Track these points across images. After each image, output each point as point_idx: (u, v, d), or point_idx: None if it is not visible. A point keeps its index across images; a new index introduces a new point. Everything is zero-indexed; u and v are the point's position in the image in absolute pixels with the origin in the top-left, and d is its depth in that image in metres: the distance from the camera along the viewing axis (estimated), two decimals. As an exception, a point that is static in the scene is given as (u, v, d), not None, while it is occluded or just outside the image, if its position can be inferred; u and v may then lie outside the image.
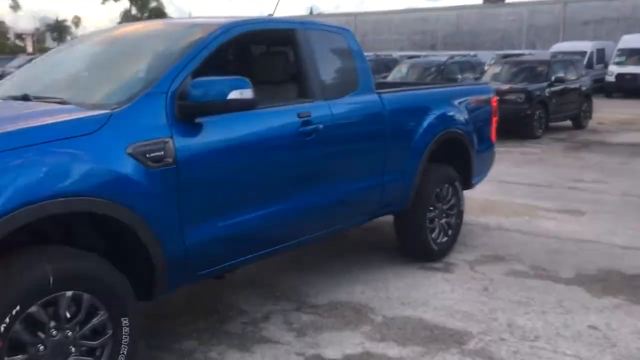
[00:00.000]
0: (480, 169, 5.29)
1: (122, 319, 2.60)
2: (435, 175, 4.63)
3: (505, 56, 19.27)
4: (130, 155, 2.62)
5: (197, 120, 2.92)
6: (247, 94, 2.89)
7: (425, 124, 4.45)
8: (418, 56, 21.24)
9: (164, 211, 2.75)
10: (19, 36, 53.92)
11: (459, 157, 5.00)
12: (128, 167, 2.61)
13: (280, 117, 3.40)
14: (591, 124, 14.63)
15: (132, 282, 2.71)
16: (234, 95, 2.86)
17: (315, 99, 3.65)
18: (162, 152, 2.73)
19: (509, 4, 37.80)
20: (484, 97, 5.29)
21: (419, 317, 3.70)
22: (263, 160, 3.23)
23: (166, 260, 2.78)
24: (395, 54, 23.69)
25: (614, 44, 25.27)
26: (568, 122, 14.21)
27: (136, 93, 2.81)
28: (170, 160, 2.76)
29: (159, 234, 2.72)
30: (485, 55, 23.58)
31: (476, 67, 17.32)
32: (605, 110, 16.81)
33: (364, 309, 3.85)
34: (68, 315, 2.44)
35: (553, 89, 13.08)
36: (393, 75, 15.69)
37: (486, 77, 14.18)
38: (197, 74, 2.99)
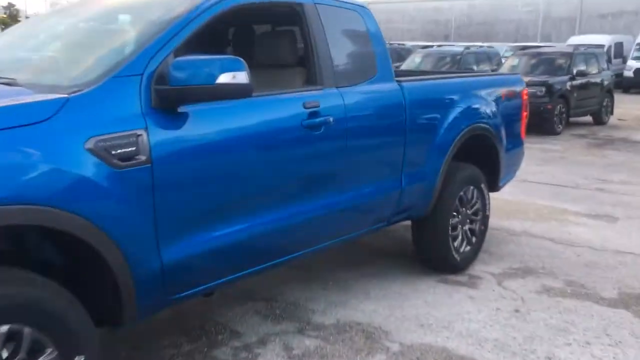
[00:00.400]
0: (508, 170, 4.72)
1: (77, 357, 2.07)
2: (460, 177, 4.07)
3: (523, 48, 18.54)
4: (90, 151, 2.07)
5: (180, 109, 2.37)
6: (242, 77, 2.33)
7: (450, 117, 3.88)
8: (431, 46, 20.55)
9: (134, 221, 2.20)
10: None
11: (486, 155, 4.43)
12: (87, 166, 2.06)
13: (283, 106, 2.84)
14: (612, 120, 13.99)
15: (95, 307, 2.18)
16: (224, 78, 2.30)
17: (325, 87, 3.09)
18: (133, 148, 2.18)
19: (525, -5, 36.86)
20: (514, 88, 4.70)
21: (441, 346, 3.15)
22: (260, 159, 2.68)
23: (138, 281, 2.23)
24: (409, 44, 22.98)
25: (632, 38, 24.47)
26: (588, 118, 13.58)
27: (103, 74, 2.26)
28: (143, 158, 2.21)
29: (128, 250, 2.17)
30: (499, 47, 22.84)
31: (493, 59, 16.65)
32: (624, 106, 16.14)
33: (377, 332, 3.30)
34: (3, 355, 1.90)
35: (574, 82, 12.44)
36: (407, 65, 15.02)
37: (504, 69, 13.56)
38: (180, 53, 2.43)
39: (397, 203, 3.62)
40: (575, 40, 25.45)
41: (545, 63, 13.09)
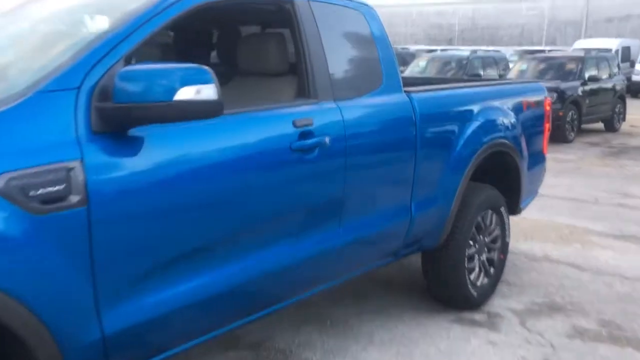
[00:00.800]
0: (529, 189, 4.19)
1: None
2: (477, 200, 3.53)
3: (532, 52, 18.01)
4: (-1, 193, 1.54)
5: (131, 132, 1.85)
6: (208, 92, 1.79)
7: (466, 133, 3.35)
8: (435, 50, 20.07)
9: (64, 283, 1.67)
10: None
11: (505, 174, 3.90)
12: (-6, 213, 1.53)
13: (267, 126, 2.31)
14: (624, 126, 13.45)
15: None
16: (185, 94, 1.76)
17: (321, 100, 2.56)
18: (62, 186, 1.65)
19: (529, -2, 36.35)
20: (536, 98, 4.17)
21: (461, 413, 2.62)
22: (238, 194, 2.14)
23: None
24: (412, 48, 22.47)
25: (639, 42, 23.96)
26: (599, 125, 13.04)
27: (26, 88, 1.73)
28: (76, 198, 1.68)
29: (56, 321, 1.65)
30: (504, 51, 22.34)
31: (499, 63, 16.11)
32: (634, 112, 15.57)
33: (383, 391, 2.77)
34: None
35: (586, 88, 11.89)
36: (411, 70, 14.52)
37: (511, 74, 13.04)
38: (131, 61, 1.91)
39: (407, 234, 3.08)
40: (582, 44, 24.94)
41: (555, 68, 12.54)
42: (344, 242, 2.64)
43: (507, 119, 3.74)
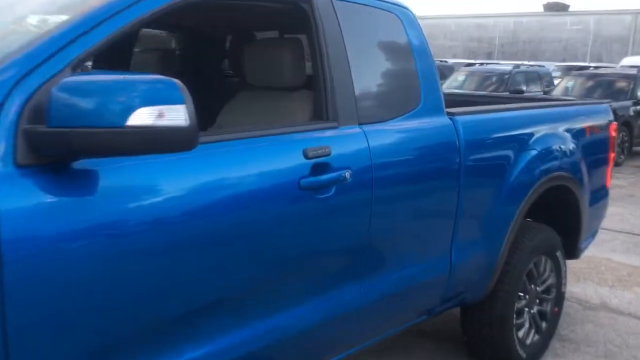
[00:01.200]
0: (590, 228, 3.58)
1: None
2: (530, 243, 2.95)
3: (580, 68, 17.16)
4: None
5: (74, 166, 1.35)
6: (175, 115, 1.28)
7: (521, 163, 2.78)
8: (474, 64, 19.35)
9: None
10: None
11: (563, 211, 3.31)
12: None
13: (266, 156, 1.78)
14: (676, 150, 12.57)
15: None
16: (141, 117, 1.25)
17: (342, 123, 2.03)
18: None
19: (573, 12, 35.19)
20: (601, 122, 3.57)
21: None
22: (225, 248, 1.62)
23: None
24: (451, 61, 21.78)
25: (690, 60, 22.80)
26: (649, 148, 12.21)
27: None
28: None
29: None
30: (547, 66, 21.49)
31: (543, 78, 15.34)
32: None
33: None
34: None
35: (638, 107, 11.11)
36: (448, 84, 13.87)
37: (557, 91, 12.31)
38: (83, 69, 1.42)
39: (445, 287, 2.52)
40: (630, 60, 23.90)
41: (605, 86, 11.79)
42: (365, 303, 2.10)
43: (569, 147, 3.15)
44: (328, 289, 1.95)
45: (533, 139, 2.89)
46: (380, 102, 2.25)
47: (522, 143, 2.82)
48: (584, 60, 29.25)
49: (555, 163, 3.00)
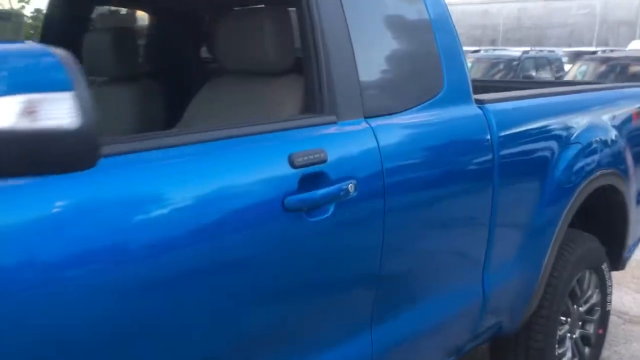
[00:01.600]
0: (636, 232, 3.05)
1: None
2: (573, 257, 2.43)
3: (582, 53, 16.57)
4: None
5: None
6: (57, 110, 0.76)
7: (564, 160, 2.25)
8: (478, 50, 18.80)
9: None
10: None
11: (607, 215, 2.79)
12: None
13: (230, 169, 1.25)
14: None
15: None
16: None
17: (342, 117, 1.50)
18: None
19: (579, -3, 34.51)
20: (643, 107, 3.03)
21: None
22: (185, 295, 1.12)
23: None
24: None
25: (697, 44, 22.24)
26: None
27: None
28: None
29: None
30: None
31: (553, 64, 14.75)
32: None
33: None
34: None
35: (656, 91, 10.53)
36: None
37: (569, 77, 11.75)
38: None
39: (477, 321, 2.01)
40: (638, 44, 23.32)
41: (619, 70, 11.20)
42: (377, 353, 1.58)
43: (615, 137, 2.62)
44: (327, 345, 1.43)
45: (577, 129, 2.35)
46: (392, 89, 1.71)
47: (565, 135, 2.29)
48: (590, 45, 28.65)
49: (604, 158, 2.47)
